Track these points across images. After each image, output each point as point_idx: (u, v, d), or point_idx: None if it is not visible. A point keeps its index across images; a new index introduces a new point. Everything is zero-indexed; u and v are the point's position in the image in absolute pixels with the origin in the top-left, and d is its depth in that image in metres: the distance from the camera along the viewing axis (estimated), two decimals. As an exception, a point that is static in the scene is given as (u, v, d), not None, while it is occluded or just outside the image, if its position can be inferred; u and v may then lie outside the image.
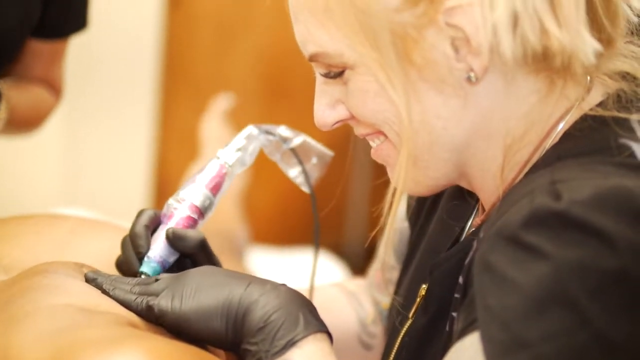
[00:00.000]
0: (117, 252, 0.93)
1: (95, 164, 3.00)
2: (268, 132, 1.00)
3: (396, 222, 1.06)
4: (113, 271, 0.92)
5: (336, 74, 0.81)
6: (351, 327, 1.12)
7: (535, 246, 0.67)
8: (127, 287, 0.85)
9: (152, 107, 3.10)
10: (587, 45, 0.75)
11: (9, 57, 1.36)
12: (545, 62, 0.76)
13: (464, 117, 0.78)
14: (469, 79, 0.76)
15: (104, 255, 0.94)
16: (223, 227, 1.68)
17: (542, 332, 0.65)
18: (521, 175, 0.80)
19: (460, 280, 0.79)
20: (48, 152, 2.90)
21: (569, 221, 0.67)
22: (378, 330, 1.12)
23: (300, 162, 1.02)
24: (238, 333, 0.79)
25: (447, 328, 0.81)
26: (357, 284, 1.18)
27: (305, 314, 0.79)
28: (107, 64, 2.97)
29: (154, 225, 0.93)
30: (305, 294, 0.91)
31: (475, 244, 0.78)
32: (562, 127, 0.79)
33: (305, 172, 1.03)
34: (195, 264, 0.93)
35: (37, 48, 1.41)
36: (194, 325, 0.80)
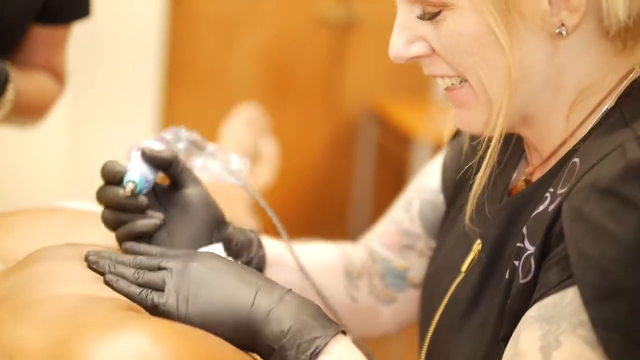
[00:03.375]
0: (113, 242, 0.93)
1: (98, 157, 2.99)
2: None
3: (428, 193, 1.08)
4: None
5: (432, 15, 0.82)
6: (337, 268, 1.13)
7: (632, 198, 0.70)
8: (130, 272, 0.84)
9: (155, 102, 3.10)
10: None
11: (13, 42, 1.36)
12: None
13: (549, 66, 0.82)
14: (559, 33, 0.80)
15: (100, 245, 0.93)
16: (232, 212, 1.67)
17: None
18: (591, 120, 0.83)
19: (524, 231, 0.81)
20: (51, 145, 2.90)
21: None
22: (363, 284, 1.12)
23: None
24: (249, 343, 0.81)
25: (507, 276, 0.83)
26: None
27: (319, 320, 0.80)
28: (110, 59, 2.97)
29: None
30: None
31: (548, 195, 0.80)
32: (633, 75, 0.82)
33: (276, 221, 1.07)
34: (177, 184, 0.94)
35: (39, 34, 1.40)
36: (201, 328, 0.80)
